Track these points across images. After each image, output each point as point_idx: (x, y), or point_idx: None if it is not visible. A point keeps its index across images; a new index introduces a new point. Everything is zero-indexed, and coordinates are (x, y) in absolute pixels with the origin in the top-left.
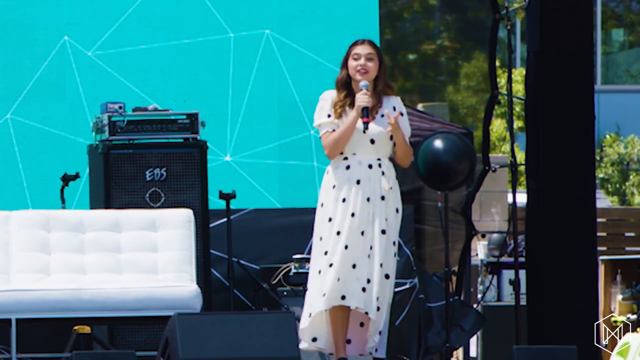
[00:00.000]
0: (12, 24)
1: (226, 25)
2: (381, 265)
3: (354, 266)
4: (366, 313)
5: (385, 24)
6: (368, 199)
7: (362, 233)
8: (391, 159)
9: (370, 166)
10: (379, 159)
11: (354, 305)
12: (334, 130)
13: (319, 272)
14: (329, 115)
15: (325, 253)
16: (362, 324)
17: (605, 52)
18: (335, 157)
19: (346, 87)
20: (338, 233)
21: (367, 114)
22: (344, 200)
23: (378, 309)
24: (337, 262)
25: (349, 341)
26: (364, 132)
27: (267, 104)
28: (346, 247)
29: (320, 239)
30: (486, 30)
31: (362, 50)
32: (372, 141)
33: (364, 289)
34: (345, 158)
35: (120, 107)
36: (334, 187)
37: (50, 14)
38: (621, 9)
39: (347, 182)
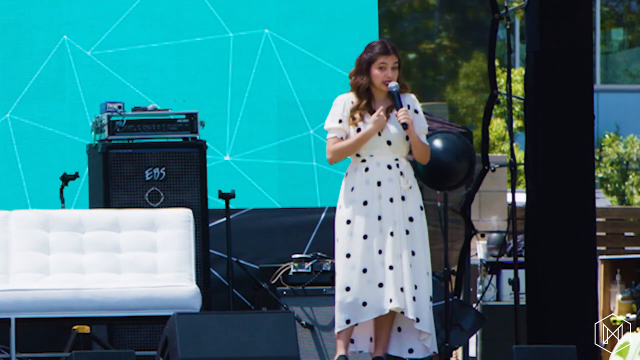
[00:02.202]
0: (11, 24)
1: (225, 24)
2: (410, 265)
3: (391, 267)
4: (402, 312)
5: (384, 23)
6: (391, 200)
7: (392, 234)
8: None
9: (389, 167)
10: (396, 159)
11: (394, 307)
12: (341, 138)
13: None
14: (340, 121)
15: (348, 256)
16: (399, 329)
17: (605, 51)
18: (352, 160)
19: (367, 92)
20: (365, 237)
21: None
22: (365, 203)
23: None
24: (375, 267)
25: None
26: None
27: (267, 104)
28: (380, 251)
29: (338, 240)
30: (485, 29)
31: (389, 60)
32: (389, 142)
33: (402, 289)
34: (364, 160)
35: (119, 107)
36: (352, 189)
37: (50, 13)
38: (620, 9)
39: (367, 184)
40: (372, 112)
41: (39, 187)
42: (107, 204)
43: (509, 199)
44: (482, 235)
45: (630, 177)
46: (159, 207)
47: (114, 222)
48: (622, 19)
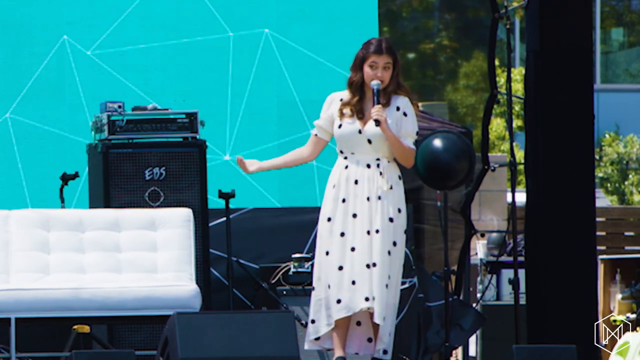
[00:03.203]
0: (11, 24)
1: (225, 24)
2: (374, 264)
3: (367, 266)
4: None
5: (385, 22)
6: (368, 199)
7: (368, 233)
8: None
9: (368, 166)
10: (377, 159)
11: (368, 306)
12: (316, 135)
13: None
14: (320, 118)
15: (327, 253)
16: (358, 323)
17: (605, 51)
18: (338, 157)
19: (359, 89)
20: (342, 234)
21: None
22: (344, 200)
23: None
24: (348, 265)
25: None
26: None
27: (267, 103)
28: (353, 249)
29: (319, 237)
30: (485, 29)
31: (380, 60)
32: (370, 141)
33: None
34: (345, 158)
35: (119, 107)
36: (333, 186)
37: (50, 13)
38: (621, 8)
39: (346, 182)
40: (361, 109)
41: (39, 187)
42: (107, 204)
43: (509, 198)
44: (482, 235)
45: (630, 176)
46: (159, 206)
47: (114, 222)
48: (622, 18)
